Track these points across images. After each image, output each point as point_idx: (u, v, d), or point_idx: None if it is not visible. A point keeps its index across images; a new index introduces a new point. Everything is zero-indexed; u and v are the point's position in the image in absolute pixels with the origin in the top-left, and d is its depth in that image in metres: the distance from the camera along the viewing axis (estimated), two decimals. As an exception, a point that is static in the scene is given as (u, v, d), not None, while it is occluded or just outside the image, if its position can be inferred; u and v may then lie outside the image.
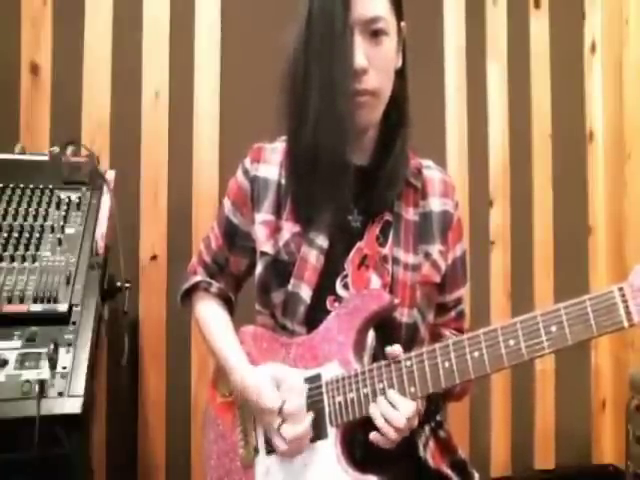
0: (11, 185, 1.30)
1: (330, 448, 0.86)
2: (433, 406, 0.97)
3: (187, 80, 1.86)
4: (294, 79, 0.89)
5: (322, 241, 0.93)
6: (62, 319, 1.07)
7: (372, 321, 0.90)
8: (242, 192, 1.02)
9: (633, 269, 0.72)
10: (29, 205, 1.27)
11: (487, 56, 2.10)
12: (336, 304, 0.93)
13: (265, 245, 0.97)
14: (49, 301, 1.08)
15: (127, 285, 1.27)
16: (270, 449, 0.92)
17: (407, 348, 0.87)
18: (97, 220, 1.27)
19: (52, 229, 1.22)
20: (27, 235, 1.19)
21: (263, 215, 0.98)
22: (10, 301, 1.07)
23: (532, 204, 2.12)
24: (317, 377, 0.89)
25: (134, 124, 1.82)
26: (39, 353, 1.01)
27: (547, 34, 2.16)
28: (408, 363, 0.83)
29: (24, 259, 1.15)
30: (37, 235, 1.20)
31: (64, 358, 1.01)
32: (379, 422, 0.82)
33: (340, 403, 0.86)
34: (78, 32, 1.78)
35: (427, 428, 1.01)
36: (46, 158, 1.38)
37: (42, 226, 1.23)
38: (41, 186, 1.31)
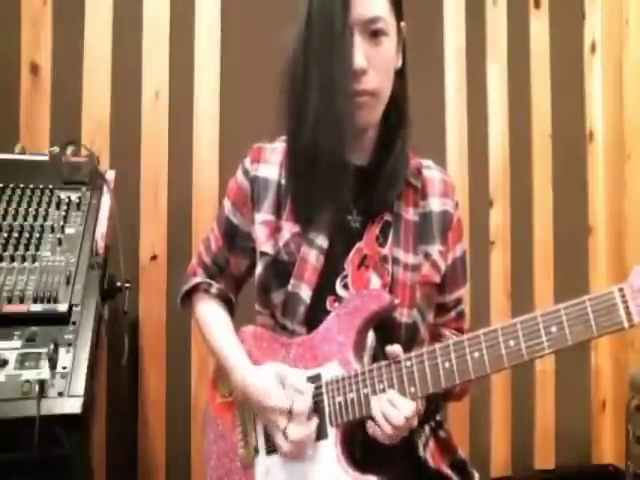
0: (11, 185, 1.30)
1: (330, 448, 0.86)
2: (433, 406, 0.97)
3: (187, 80, 1.86)
4: (294, 79, 0.89)
5: (322, 241, 0.93)
6: (62, 319, 1.07)
7: (372, 321, 0.90)
8: (242, 192, 1.02)
9: (633, 270, 0.72)
10: (29, 205, 1.27)
11: (487, 56, 2.10)
12: (336, 304, 0.93)
13: (265, 245, 0.97)
14: (49, 301, 1.08)
15: (127, 285, 1.27)
16: (270, 449, 0.92)
17: (407, 348, 0.87)
18: (97, 220, 1.27)
19: (52, 229, 1.22)
20: (27, 235, 1.19)
21: (263, 215, 0.98)
22: (10, 301, 1.07)
23: (532, 204, 2.12)
24: (317, 377, 0.89)
25: (134, 124, 1.82)
26: (39, 353, 1.01)
27: (547, 34, 2.16)
28: (408, 363, 0.83)
29: (24, 259, 1.16)
30: (37, 235, 1.20)
31: (64, 358, 1.01)
32: (378, 417, 0.82)
33: (340, 403, 0.86)
34: (78, 32, 1.79)
35: (427, 428, 1.01)
36: (46, 158, 1.38)
37: (42, 226, 1.23)
38: (41, 186, 1.31)
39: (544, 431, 2.08)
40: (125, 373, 1.76)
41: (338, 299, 0.94)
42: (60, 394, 0.97)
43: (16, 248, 1.17)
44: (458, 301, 1.08)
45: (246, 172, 1.02)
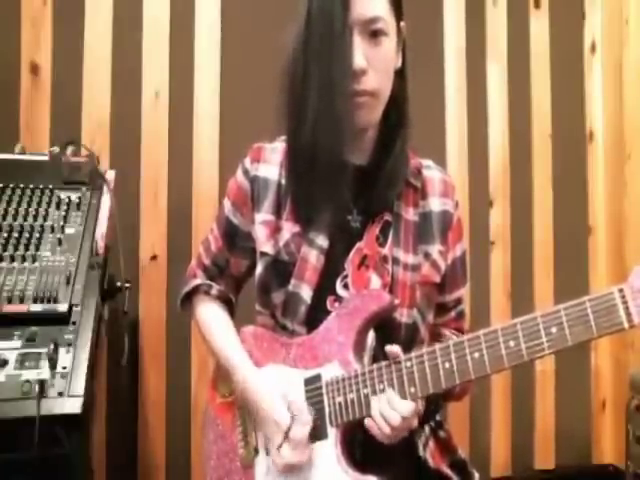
0: (11, 185, 1.30)
1: (330, 448, 0.86)
2: (433, 406, 0.97)
3: (187, 80, 1.86)
4: (293, 79, 0.89)
5: (322, 241, 0.93)
6: (62, 319, 1.07)
7: (372, 321, 0.90)
8: (242, 192, 1.02)
9: (633, 270, 0.71)
10: (29, 205, 1.27)
11: (487, 56, 2.10)
12: (336, 304, 0.93)
13: (265, 245, 0.97)
14: (49, 301, 1.08)
15: (127, 285, 1.27)
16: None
17: (407, 348, 0.87)
18: (97, 220, 1.27)
19: (52, 229, 1.22)
20: (27, 235, 1.19)
21: (263, 215, 0.98)
22: (10, 301, 1.07)
23: (532, 204, 2.12)
24: (317, 377, 0.89)
25: (134, 124, 1.82)
26: (39, 353, 1.01)
27: (547, 34, 2.16)
28: (408, 364, 0.83)
29: (24, 259, 1.15)
30: (37, 235, 1.20)
31: (64, 358, 1.01)
32: (376, 417, 0.82)
33: (340, 403, 0.86)
34: (78, 32, 1.79)
35: (427, 428, 1.01)
36: (46, 158, 1.38)
37: (42, 226, 1.23)
38: (41, 186, 1.31)
39: (544, 431, 2.08)
40: (125, 373, 1.76)
41: (338, 299, 0.93)
42: (60, 394, 0.97)
43: (16, 248, 1.17)
44: (458, 301, 1.08)
45: (246, 172, 1.01)
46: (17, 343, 1.03)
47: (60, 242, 1.19)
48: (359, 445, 0.89)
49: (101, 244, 1.23)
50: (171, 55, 1.85)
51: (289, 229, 0.95)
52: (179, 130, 1.85)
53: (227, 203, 1.05)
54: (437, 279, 0.99)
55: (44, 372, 0.99)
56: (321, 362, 0.90)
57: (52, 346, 1.00)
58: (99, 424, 1.71)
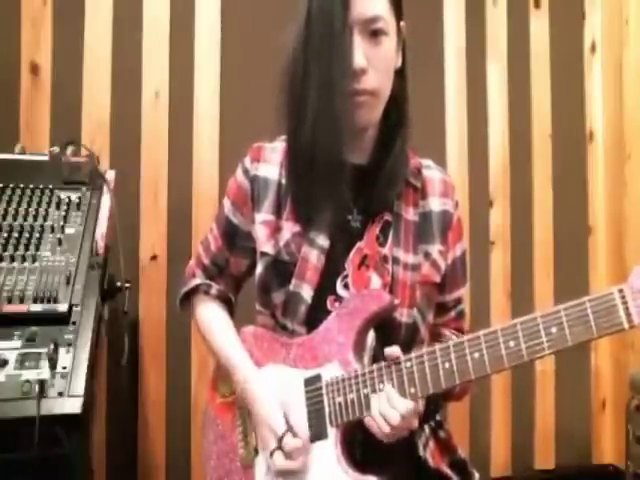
0: (11, 185, 1.30)
1: (330, 448, 0.86)
2: (433, 406, 0.97)
3: (187, 80, 1.86)
4: (293, 78, 0.89)
5: (322, 241, 0.93)
6: (62, 319, 1.07)
7: (372, 321, 0.90)
8: (242, 192, 1.02)
9: (633, 270, 0.71)
10: (29, 205, 1.27)
11: (487, 56, 2.10)
12: (336, 304, 0.93)
13: (265, 245, 0.96)
14: (49, 301, 1.08)
15: (127, 285, 1.27)
16: (270, 449, 0.92)
17: (407, 348, 0.87)
18: (97, 220, 1.27)
19: (52, 229, 1.22)
20: (27, 235, 1.19)
21: (263, 215, 0.98)
22: (10, 301, 1.07)
23: (532, 204, 2.12)
24: (317, 378, 0.89)
25: (134, 124, 1.82)
26: (39, 353, 1.01)
27: (547, 34, 2.16)
28: (408, 364, 0.83)
29: (24, 259, 1.16)
30: (37, 235, 1.20)
31: (64, 358, 1.01)
32: (376, 416, 0.82)
33: (340, 404, 0.86)
34: (78, 32, 1.79)
35: (427, 428, 1.01)
36: (46, 158, 1.38)
37: (42, 226, 1.23)
38: (41, 186, 1.31)
39: (544, 431, 2.08)
40: (125, 373, 1.76)
41: (339, 299, 0.93)
42: (60, 394, 0.97)
43: (16, 248, 1.17)
44: (458, 301, 1.08)
45: (246, 171, 1.01)
46: (17, 343, 1.03)
47: (60, 242, 1.19)
48: (359, 445, 0.89)
49: (101, 244, 1.23)
50: (171, 55, 1.85)
51: (289, 229, 0.95)
52: (179, 130, 1.85)
53: (227, 203, 1.05)
54: (437, 279, 0.99)
55: (44, 372, 0.99)
56: (321, 362, 0.89)
57: (52, 346, 1.00)
58: (99, 424, 1.71)
